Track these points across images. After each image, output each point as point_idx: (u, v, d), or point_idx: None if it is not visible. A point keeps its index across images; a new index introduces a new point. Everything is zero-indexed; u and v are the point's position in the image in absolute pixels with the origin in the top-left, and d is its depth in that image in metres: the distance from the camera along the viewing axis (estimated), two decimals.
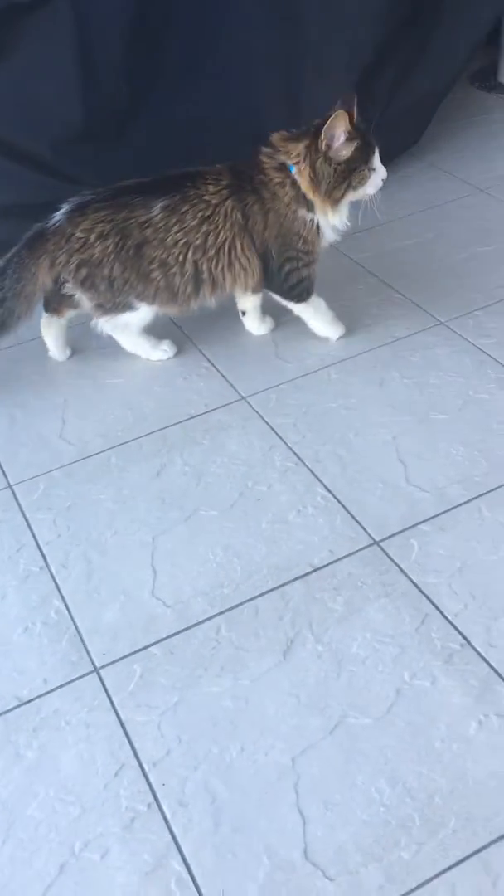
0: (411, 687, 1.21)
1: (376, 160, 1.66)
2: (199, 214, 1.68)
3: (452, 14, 2.27)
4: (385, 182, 1.70)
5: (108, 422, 1.74)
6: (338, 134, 1.60)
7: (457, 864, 1.02)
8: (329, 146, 1.61)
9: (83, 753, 1.17)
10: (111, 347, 1.88)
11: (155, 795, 1.12)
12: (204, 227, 1.68)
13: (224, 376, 1.83)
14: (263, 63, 2.03)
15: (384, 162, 1.70)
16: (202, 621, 1.33)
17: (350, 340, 1.88)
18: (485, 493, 1.49)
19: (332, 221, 1.71)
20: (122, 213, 1.67)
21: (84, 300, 1.75)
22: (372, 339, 1.88)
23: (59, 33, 1.77)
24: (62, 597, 1.39)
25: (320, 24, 2.04)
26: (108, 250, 1.67)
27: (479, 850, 1.03)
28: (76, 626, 1.34)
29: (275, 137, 1.69)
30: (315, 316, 1.85)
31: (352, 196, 1.68)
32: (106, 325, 1.80)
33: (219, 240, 1.69)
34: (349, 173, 1.64)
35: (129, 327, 1.81)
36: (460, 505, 1.48)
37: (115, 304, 1.75)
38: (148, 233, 1.68)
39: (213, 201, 1.68)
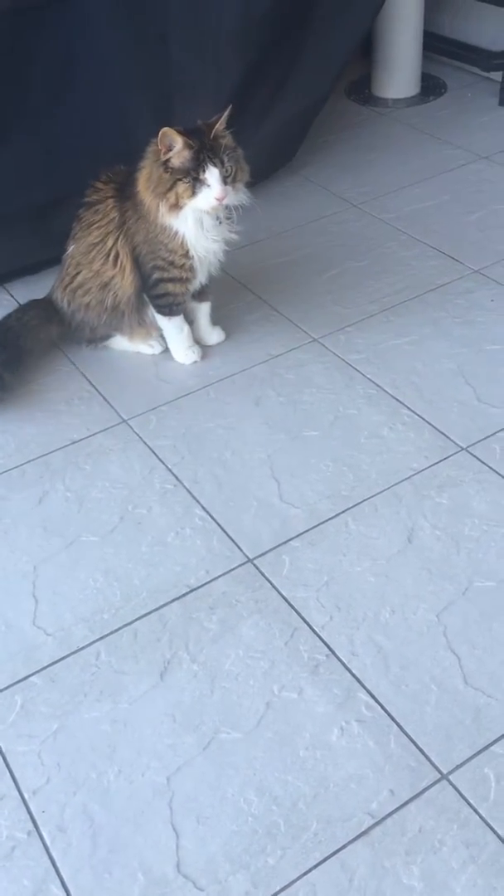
0: (279, 699, 1.29)
1: (211, 178, 1.63)
2: (90, 220, 1.84)
3: (320, 32, 2.34)
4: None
5: None
6: (171, 143, 1.63)
7: (317, 865, 1.10)
8: (167, 153, 1.64)
9: None
10: None
11: (35, 823, 1.16)
12: (92, 230, 1.83)
13: (106, 399, 1.87)
14: (131, 86, 2.06)
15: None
16: (82, 648, 1.38)
17: (228, 359, 1.95)
18: (351, 507, 1.58)
19: (174, 225, 1.71)
20: (63, 277, 1.91)
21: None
22: (249, 357, 1.96)
23: None
24: None
25: (183, 45, 2.08)
26: (67, 304, 1.92)
27: (338, 851, 1.11)
28: None
29: (152, 142, 1.71)
30: (172, 335, 1.92)
31: (189, 206, 1.67)
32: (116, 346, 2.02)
33: (100, 236, 1.82)
34: (175, 182, 1.65)
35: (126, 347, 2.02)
36: (329, 520, 1.56)
37: (93, 337, 1.97)
38: (70, 268, 1.88)
39: (98, 200, 1.83)
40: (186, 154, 1.64)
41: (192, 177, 1.64)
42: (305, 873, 1.09)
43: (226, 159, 1.66)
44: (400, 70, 3.03)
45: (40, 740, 1.25)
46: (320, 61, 2.44)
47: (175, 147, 1.64)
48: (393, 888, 1.07)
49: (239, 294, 2.15)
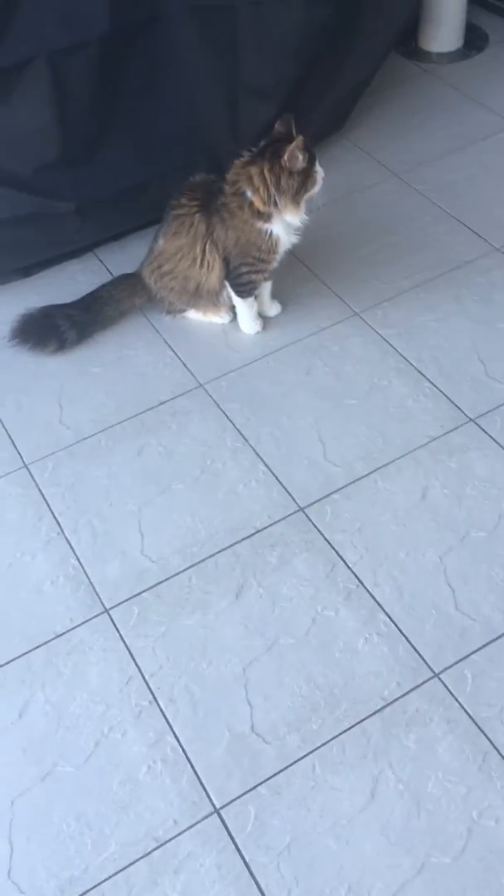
0: (322, 616, 1.80)
1: (318, 165, 2.08)
2: (177, 229, 2.21)
3: (372, 21, 2.60)
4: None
5: (96, 407, 2.23)
6: (298, 154, 2.02)
7: (346, 730, 1.63)
8: (291, 164, 2.03)
9: (103, 670, 1.75)
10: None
11: (153, 695, 1.71)
12: (182, 237, 2.21)
13: (185, 365, 2.31)
14: (206, 89, 2.38)
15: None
16: (178, 573, 1.89)
17: (284, 330, 2.37)
18: (380, 468, 2.04)
19: (292, 221, 2.13)
20: (151, 262, 2.30)
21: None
22: (301, 329, 2.37)
23: (39, 84, 2.12)
24: (76, 556, 1.93)
25: (250, 48, 2.38)
26: (154, 283, 2.32)
27: (360, 721, 1.64)
28: (89, 579, 1.89)
29: (236, 164, 2.10)
30: (244, 311, 2.32)
31: (306, 196, 2.10)
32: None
33: (188, 243, 2.20)
34: (306, 179, 2.07)
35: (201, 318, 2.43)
36: (362, 477, 2.03)
37: (172, 310, 2.39)
38: (159, 258, 2.27)
39: (185, 213, 2.18)
40: (306, 154, 2.05)
41: (313, 171, 2.08)
42: (338, 735, 1.63)
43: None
44: (446, 23, 3.23)
45: (153, 639, 1.79)
46: (372, 45, 2.71)
47: (300, 156, 2.03)
48: (396, 747, 1.61)
49: (294, 267, 2.52)
